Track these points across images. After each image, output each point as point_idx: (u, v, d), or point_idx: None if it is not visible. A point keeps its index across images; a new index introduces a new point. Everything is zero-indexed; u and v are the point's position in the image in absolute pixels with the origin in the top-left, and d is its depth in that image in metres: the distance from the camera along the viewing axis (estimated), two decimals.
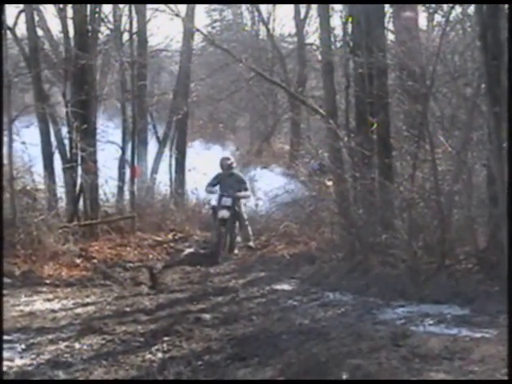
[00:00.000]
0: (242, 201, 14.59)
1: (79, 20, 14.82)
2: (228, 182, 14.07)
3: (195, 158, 20.50)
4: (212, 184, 14.26)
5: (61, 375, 7.17)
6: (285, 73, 27.38)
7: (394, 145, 12.09)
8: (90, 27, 14.93)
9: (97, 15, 15.26)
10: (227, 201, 13.81)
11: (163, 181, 18.84)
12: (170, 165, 19.59)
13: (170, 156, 19.64)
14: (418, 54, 11.03)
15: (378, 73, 11.61)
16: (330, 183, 13.64)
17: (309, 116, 23.23)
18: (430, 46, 11.46)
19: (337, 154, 12.10)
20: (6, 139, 12.96)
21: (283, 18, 55.72)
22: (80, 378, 7.09)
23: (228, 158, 14.75)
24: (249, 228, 14.38)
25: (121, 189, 17.11)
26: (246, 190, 14.26)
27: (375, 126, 11.99)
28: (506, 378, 6.11)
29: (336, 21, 18.25)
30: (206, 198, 17.69)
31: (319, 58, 26.51)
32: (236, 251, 14.08)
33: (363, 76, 12.06)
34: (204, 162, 20.08)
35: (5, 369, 7.29)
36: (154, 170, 18.66)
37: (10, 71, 13.57)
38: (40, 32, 16.90)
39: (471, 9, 11.87)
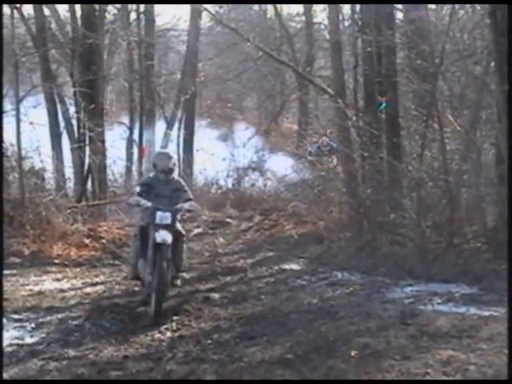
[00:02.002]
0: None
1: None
2: (164, 190, 9.04)
3: (203, 138, 20.47)
4: (139, 193, 9.00)
5: (71, 353, 7.20)
6: (293, 52, 27.20)
7: (403, 124, 12.03)
8: (97, 6, 14.87)
9: None
10: (166, 217, 8.73)
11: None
12: (178, 145, 19.58)
13: (178, 136, 19.61)
14: (427, 33, 10.96)
15: (386, 51, 11.55)
16: (332, 164, 13.64)
17: (317, 96, 23.11)
18: (439, 25, 11.37)
19: (345, 134, 12.05)
20: (13, 119, 12.94)
21: None
22: (90, 356, 7.11)
23: (169, 157, 9.31)
24: (185, 254, 9.60)
25: (129, 169, 17.12)
26: (190, 199, 9.21)
27: (383, 105, 11.93)
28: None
29: None
30: (214, 177, 17.67)
31: (327, 37, 26.52)
32: (178, 282, 9.35)
33: (372, 55, 12.00)
34: (212, 142, 20.11)
35: (15, 347, 7.37)
36: None
37: (18, 51, 13.53)
38: (47, 11, 16.85)
39: None
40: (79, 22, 15.25)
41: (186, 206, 9.06)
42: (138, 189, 9.21)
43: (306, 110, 26.19)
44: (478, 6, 11.46)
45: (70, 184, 15.66)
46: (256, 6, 33.20)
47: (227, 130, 23.71)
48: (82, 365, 6.84)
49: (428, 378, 5.94)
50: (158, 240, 8.52)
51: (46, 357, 7.06)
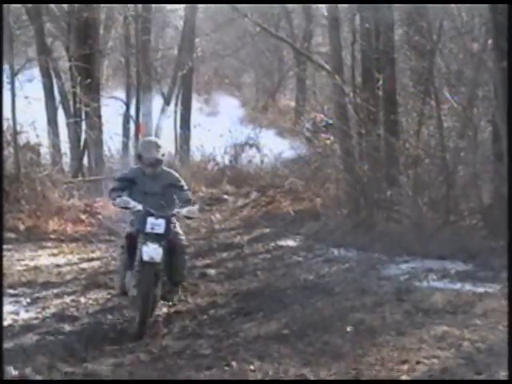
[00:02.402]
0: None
1: None
2: (153, 186, 7.37)
3: (200, 114, 20.41)
4: (120, 188, 7.41)
5: (66, 328, 7.23)
6: (291, 28, 27.11)
7: (400, 101, 11.99)
8: None
9: None
10: (158, 225, 7.11)
11: (168, 137, 18.74)
12: (175, 121, 19.50)
13: (175, 112, 19.53)
14: (424, 10, 10.91)
15: (384, 28, 11.47)
16: (328, 141, 13.60)
17: (315, 72, 23.03)
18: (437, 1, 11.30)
19: (342, 111, 12.00)
20: (8, 93, 12.85)
21: None
22: (86, 332, 7.13)
23: (156, 146, 7.46)
24: (185, 266, 7.88)
25: (125, 145, 17.07)
26: (189, 200, 7.51)
27: (381, 81, 11.88)
28: (506, 330, 6.17)
29: None
30: (211, 154, 17.62)
31: (325, 13, 26.34)
32: (174, 298, 7.82)
33: (370, 32, 11.91)
34: (209, 118, 20.06)
35: (10, 322, 7.38)
36: (159, 127, 18.57)
37: (12, 23, 13.42)
38: None
39: None
40: None
41: (184, 211, 7.29)
42: (113, 185, 7.46)
43: (303, 86, 26.14)
44: None
45: (66, 159, 15.58)
46: None
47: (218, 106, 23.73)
48: (77, 340, 6.86)
49: (422, 353, 5.97)
50: (145, 257, 6.99)
51: (41, 331, 7.09)
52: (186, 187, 7.64)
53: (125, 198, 7.23)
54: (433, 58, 11.12)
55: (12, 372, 5.87)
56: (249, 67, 32.66)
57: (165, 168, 7.60)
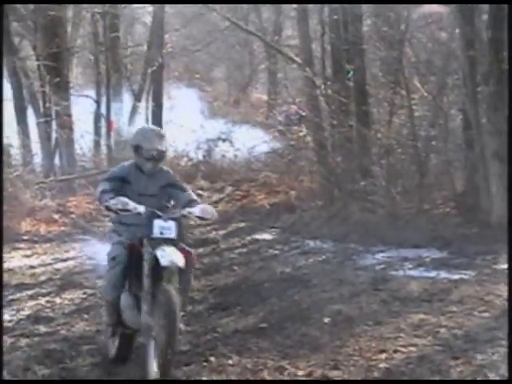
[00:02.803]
0: None
1: None
2: (149, 187, 6.12)
3: (172, 110, 20.29)
4: (111, 189, 5.99)
5: (42, 329, 7.15)
6: (260, 22, 27.07)
7: (371, 91, 12.03)
8: None
9: None
10: (168, 228, 5.81)
11: None
12: (147, 118, 19.39)
13: (147, 109, 19.41)
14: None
15: (353, 19, 11.50)
16: (302, 133, 13.61)
17: (286, 65, 23.04)
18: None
19: (314, 103, 12.02)
20: None
21: None
22: (61, 332, 7.07)
23: (160, 135, 6.18)
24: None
25: (97, 143, 16.94)
26: (194, 201, 6.07)
27: (351, 73, 11.91)
28: (484, 315, 6.22)
29: None
30: (184, 149, 17.55)
31: (294, 6, 26.35)
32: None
33: (338, 23, 11.94)
34: (181, 113, 19.95)
35: None
36: (131, 123, 18.45)
37: None
38: None
39: None
40: None
41: (197, 211, 5.88)
42: (103, 186, 5.97)
43: (274, 79, 26.12)
44: None
45: (38, 159, 15.44)
46: None
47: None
48: (53, 341, 6.78)
49: (400, 341, 5.99)
50: (165, 262, 5.49)
51: (16, 334, 6.99)
52: (188, 189, 6.25)
53: (122, 198, 5.76)
54: (402, 48, 11.17)
55: None
56: (219, 62, 32.58)
57: (164, 167, 6.23)
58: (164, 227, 5.76)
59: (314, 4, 12.58)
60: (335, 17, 11.69)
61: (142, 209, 5.79)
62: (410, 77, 11.44)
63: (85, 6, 16.33)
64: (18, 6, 15.08)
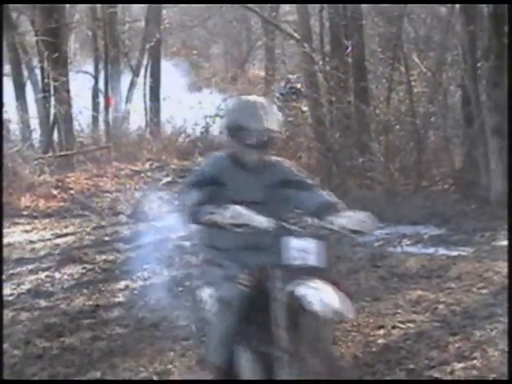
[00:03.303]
0: None
1: None
2: (255, 188, 4.09)
3: (170, 85, 20.25)
4: (205, 200, 3.89)
5: (42, 304, 7.19)
6: None
7: (369, 68, 12.01)
8: None
9: None
10: (307, 250, 3.88)
11: (138, 110, 18.63)
12: (145, 94, 19.36)
13: (144, 84, 19.38)
14: None
15: None
16: (305, 108, 13.55)
17: (283, 41, 22.95)
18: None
19: (312, 79, 11.99)
20: None
21: None
22: (61, 306, 7.11)
23: (270, 109, 4.06)
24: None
25: (95, 119, 16.95)
26: (333, 205, 4.11)
27: (350, 48, 11.89)
28: (482, 291, 6.25)
29: None
30: (182, 126, 17.55)
31: None
32: None
33: None
34: (179, 89, 19.93)
35: None
36: (128, 99, 18.42)
37: None
38: None
39: None
40: None
41: (350, 222, 4.11)
42: (194, 197, 3.95)
43: (272, 55, 26.02)
44: None
45: (36, 135, 15.44)
46: None
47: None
48: (53, 315, 6.82)
49: (398, 317, 6.02)
50: (315, 305, 3.70)
51: (17, 307, 7.03)
52: (314, 184, 4.32)
53: (235, 207, 3.74)
54: (401, 24, 11.13)
55: None
56: (217, 38, 32.46)
57: (273, 157, 4.30)
58: (303, 249, 3.92)
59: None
60: None
61: (268, 222, 3.87)
62: (409, 52, 11.40)
63: None
64: None
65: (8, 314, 6.86)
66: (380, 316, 6.09)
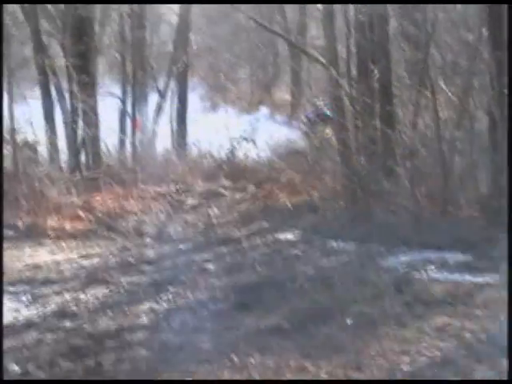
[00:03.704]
0: None
1: None
2: None
3: (196, 109, 20.40)
4: None
5: (67, 325, 7.24)
6: (285, 22, 27.07)
7: (396, 92, 12.01)
8: None
9: None
10: None
11: (164, 132, 18.77)
12: (171, 116, 19.51)
13: (171, 107, 19.52)
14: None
15: (379, 20, 11.48)
16: (328, 131, 13.59)
17: (309, 65, 23.05)
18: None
19: (338, 103, 12.01)
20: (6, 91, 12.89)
21: None
22: (86, 328, 7.15)
23: None
24: None
25: (122, 141, 17.08)
26: None
27: (377, 73, 11.91)
28: (506, 320, 6.19)
29: None
30: (207, 148, 17.64)
31: (319, 6, 26.37)
32: None
33: (364, 23, 11.90)
34: (205, 113, 20.05)
35: (11, 319, 7.42)
36: (155, 122, 18.58)
37: (9, 22, 13.41)
38: None
39: None
40: None
41: None
42: None
43: (298, 79, 26.11)
44: None
45: (63, 156, 15.58)
46: None
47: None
48: (78, 336, 6.88)
49: (423, 344, 5.99)
50: None
51: (42, 328, 7.11)
52: None
53: None
54: (428, 49, 11.12)
55: (15, 369, 5.89)
56: (243, 62, 32.63)
57: None
58: None
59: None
60: (361, 18, 11.63)
61: None
62: (436, 78, 11.38)
63: (114, 6, 16.47)
64: (48, 6, 15.27)
65: (33, 334, 6.93)
66: (405, 342, 6.07)
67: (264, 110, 21.48)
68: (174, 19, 22.44)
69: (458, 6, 11.38)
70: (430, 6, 10.88)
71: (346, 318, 6.79)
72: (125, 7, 16.63)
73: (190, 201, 14.57)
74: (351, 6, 12.23)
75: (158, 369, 5.93)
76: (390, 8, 11.95)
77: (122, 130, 17.14)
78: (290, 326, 6.77)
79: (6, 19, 13.06)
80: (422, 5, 10.86)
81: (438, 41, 11.33)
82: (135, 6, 17.14)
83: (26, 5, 15.44)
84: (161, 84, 19.78)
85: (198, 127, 18.67)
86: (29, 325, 7.25)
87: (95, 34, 15.67)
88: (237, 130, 18.39)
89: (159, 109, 18.93)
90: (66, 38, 14.92)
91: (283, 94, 30.25)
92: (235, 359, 5.95)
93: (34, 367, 6.00)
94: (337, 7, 12.66)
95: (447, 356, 5.74)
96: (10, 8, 14.01)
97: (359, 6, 11.37)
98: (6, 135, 12.67)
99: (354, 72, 12.51)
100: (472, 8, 11.37)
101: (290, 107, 24.46)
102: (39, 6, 15.42)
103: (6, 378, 5.80)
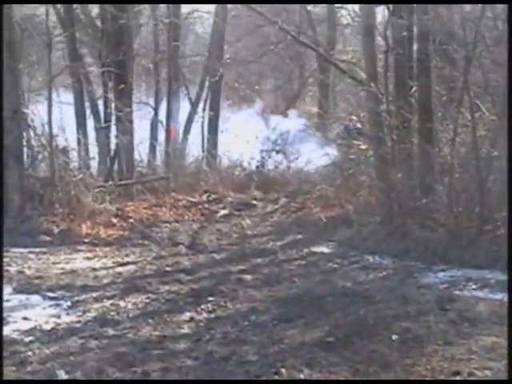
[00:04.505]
0: None
1: None
2: None
3: (227, 119, 20.46)
4: None
5: (110, 332, 7.24)
6: (315, 36, 27.12)
7: (433, 109, 11.98)
8: None
9: None
10: None
11: (195, 142, 18.85)
12: (203, 126, 19.59)
13: (203, 117, 19.61)
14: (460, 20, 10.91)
15: (419, 36, 11.47)
16: (364, 147, 13.57)
17: (334, 79, 23.17)
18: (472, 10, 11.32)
19: (376, 118, 12.00)
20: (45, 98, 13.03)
21: None
22: (129, 335, 7.15)
23: None
24: None
25: (153, 150, 17.17)
26: None
27: (414, 89, 11.90)
28: None
29: None
30: (238, 159, 17.72)
31: (345, 21, 26.52)
32: None
33: (403, 39, 11.89)
34: (236, 123, 20.09)
35: (53, 325, 7.43)
36: (187, 131, 18.67)
37: (51, 30, 13.54)
38: None
39: None
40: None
41: None
42: None
43: (326, 92, 26.14)
44: None
45: (94, 163, 15.68)
46: None
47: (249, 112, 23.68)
48: (122, 344, 6.87)
49: (473, 364, 5.94)
50: None
51: (85, 335, 7.09)
52: None
53: None
54: (468, 67, 11.09)
55: (63, 375, 5.90)
56: (269, 74, 32.68)
57: None
58: None
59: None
60: (405, 34, 11.60)
61: None
62: (475, 96, 11.33)
63: (149, 14, 16.59)
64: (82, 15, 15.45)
65: (77, 341, 6.92)
66: (454, 361, 6.01)
67: (295, 121, 21.48)
68: (200, 30, 22.60)
69: (499, 25, 11.36)
70: (472, 25, 10.84)
71: (391, 334, 6.74)
72: (162, 17, 16.74)
73: (222, 211, 14.61)
74: (390, 22, 12.21)
75: (207, 380, 5.90)
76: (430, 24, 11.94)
77: (154, 138, 17.22)
78: (335, 341, 6.73)
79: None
80: (464, 22, 10.81)
81: (478, 59, 11.25)
82: (172, 16, 17.26)
83: (62, 14, 15.60)
84: (192, 93, 19.86)
85: (228, 137, 18.75)
86: (72, 331, 7.24)
87: (132, 42, 15.77)
88: (267, 142, 18.48)
89: (191, 118, 19.01)
90: (103, 46, 15.05)
91: (308, 107, 30.30)
92: (284, 373, 5.92)
93: (81, 374, 5.97)
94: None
95: (499, 377, 5.67)
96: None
97: (402, 21, 11.31)
98: (44, 140, 12.75)
99: (390, 87, 12.50)
100: None
101: (318, 119, 24.46)
102: (76, 15, 15.59)
103: None
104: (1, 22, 11.53)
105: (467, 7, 11.56)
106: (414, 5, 11.41)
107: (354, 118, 15.80)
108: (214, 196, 15.69)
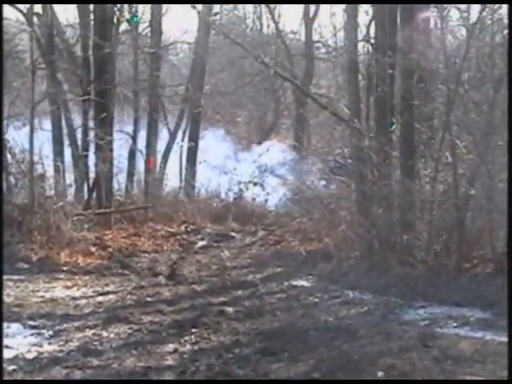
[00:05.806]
0: None
1: (100, 8, 14.79)
2: None
3: (206, 150, 20.51)
4: None
5: (94, 362, 7.18)
6: (292, 69, 27.34)
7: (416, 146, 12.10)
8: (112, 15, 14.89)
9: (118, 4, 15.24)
10: None
11: (173, 172, 18.86)
12: (181, 156, 19.62)
13: (181, 147, 19.65)
14: (445, 57, 11.07)
15: (404, 74, 11.62)
16: (345, 183, 13.67)
17: (309, 113, 23.39)
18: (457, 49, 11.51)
19: (359, 153, 12.11)
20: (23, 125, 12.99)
21: (286, 15, 55.69)
22: (113, 366, 7.09)
23: None
24: None
25: (131, 178, 17.14)
26: None
27: (394, 126, 12.05)
28: None
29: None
30: (216, 190, 17.75)
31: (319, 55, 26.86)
32: None
33: (385, 77, 12.03)
34: (213, 154, 20.17)
35: (35, 354, 7.37)
36: (165, 161, 18.67)
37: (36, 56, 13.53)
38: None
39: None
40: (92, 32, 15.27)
41: None
42: None
43: (302, 125, 26.30)
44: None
45: (71, 190, 15.63)
46: (251, 22, 33.33)
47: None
48: (107, 374, 6.82)
49: None
50: None
51: (69, 365, 7.02)
52: None
53: None
54: (450, 106, 11.24)
55: None
56: (244, 106, 32.84)
57: None
58: None
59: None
60: (390, 71, 11.74)
61: None
62: (458, 134, 11.47)
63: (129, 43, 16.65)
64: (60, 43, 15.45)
65: (61, 371, 6.86)
66: None
67: (274, 154, 21.60)
68: (175, 59, 22.65)
69: (485, 62, 11.56)
70: (457, 65, 11.02)
71: (376, 370, 6.76)
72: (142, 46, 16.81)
73: (201, 242, 14.61)
74: (373, 59, 12.36)
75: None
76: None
77: (132, 167, 17.21)
78: (321, 376, 6.73)
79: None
80: (448, 61, 10.98)
81: (460, 97, 11.40)
82: (152, 46, 17.35)
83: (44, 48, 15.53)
84: (171, 123, 19.90)
85: (206, 167, 18.80)
86: (55, 360, 7.17)
87: (115, 71, 15.81)
88: (245, 173, 18.56)
89: (169, 148, 19.03)
90: (84, 75, 15.06)
91: (283, 139, 30.45)
92: None
93: None
94: (360, 59, 12.85)
95: None
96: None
97: (388, 59, 11.42)
98: (24, 167, 12.70)
99: (371, 124, 12.64)
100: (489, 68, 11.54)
101: (294, 152, 24.56)
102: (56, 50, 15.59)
103: None
104: (1, 22, 11.52)
105: (453, 44, 11.73)
106: (398, 42, 11.58)
107: (336, 152, 15.93)
108: (192, 227, 15.70)
